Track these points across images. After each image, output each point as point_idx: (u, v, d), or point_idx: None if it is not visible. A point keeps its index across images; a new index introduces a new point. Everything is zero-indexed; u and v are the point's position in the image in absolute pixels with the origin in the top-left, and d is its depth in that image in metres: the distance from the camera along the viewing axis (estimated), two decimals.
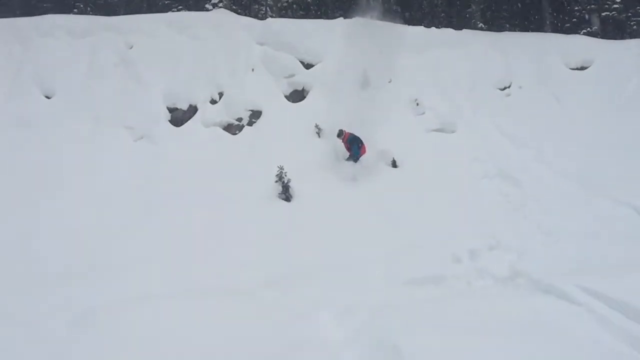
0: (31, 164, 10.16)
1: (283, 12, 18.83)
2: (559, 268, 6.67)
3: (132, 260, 7.57)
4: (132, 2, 16.66)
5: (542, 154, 12.09)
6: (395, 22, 15.08)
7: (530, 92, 14.63)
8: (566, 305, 5.38)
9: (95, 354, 4.87)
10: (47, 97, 12.06)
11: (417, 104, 13.50)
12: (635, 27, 19.29)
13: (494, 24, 18.48)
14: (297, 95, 13.31)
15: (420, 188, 10.41)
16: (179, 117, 12.25)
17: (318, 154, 11.43)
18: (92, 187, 9.87)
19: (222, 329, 5.30)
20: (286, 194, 9.98)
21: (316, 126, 12.15)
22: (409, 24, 16.30)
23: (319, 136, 12.13)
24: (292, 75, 13.44)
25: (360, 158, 11.07)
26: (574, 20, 19.29)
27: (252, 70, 13.43)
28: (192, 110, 12.42)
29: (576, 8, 19.37)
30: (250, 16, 16.68)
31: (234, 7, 18.48)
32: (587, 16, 19.04)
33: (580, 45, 16.09)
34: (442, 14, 18.87)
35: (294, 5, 18.64)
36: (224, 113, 12.42)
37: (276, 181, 9.95)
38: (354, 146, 10.98)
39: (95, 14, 16.66)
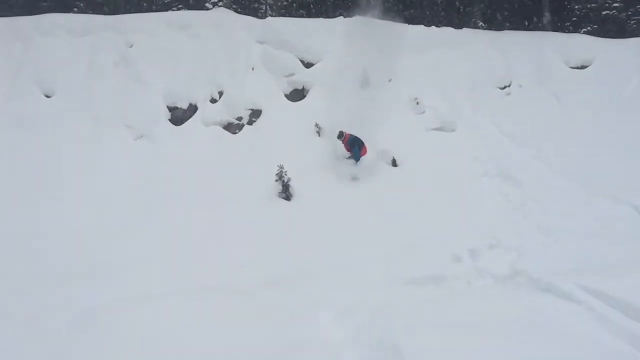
0: (31, 164, 10.18)
1: (283, 10, 18.77)
2: (559, 267, 6.68)
3: (132, 260, 7.57)
4: (132, 1, 16.60)
5: (542, 153, 12.08)
6: (395, 20, 15.05)
7: (530, 91, 14.59)
8: (566, 304, 5.40)
9: (95, 354, 4.86)
10: (47, 97, 12.08)
11: (417, 103, 13.48)
12: (635, 26, 19.23)
13: (494, 23, 18.43)
14: (297, 94, 13.30)
15: (420, 188, 10.42)
16: (179, 116, 12.26)
17: (318, 153, 11.42)
18: (92, 187, 9.88)
19: (222, 329, 5.29)
20: (286, 193, 9.98)
21: (316, 125, 12.14)
22: (409, 23, 16.26)
23: (319, 135, 12.12)
24: (292, 74, 13.43)
25: (361, 159, 11.07)
26: (574, 19, 19.24)
27: (252, 69, 13.42)
28: (192, 109, 12.42)
29: (576, 7, 19.32)
30: (250, 15, 16.65)
31: (234, 6, 18.44)
32: (589, 14, 18.98)
33: (580, 44, 16.05)
34: (442, 13, 18.82)
35: (294, 4, 18.56)
36: (224, 112, 12.42)
37: (276, 180, 9.96)
38: (355, 148, 10.96)
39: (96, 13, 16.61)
